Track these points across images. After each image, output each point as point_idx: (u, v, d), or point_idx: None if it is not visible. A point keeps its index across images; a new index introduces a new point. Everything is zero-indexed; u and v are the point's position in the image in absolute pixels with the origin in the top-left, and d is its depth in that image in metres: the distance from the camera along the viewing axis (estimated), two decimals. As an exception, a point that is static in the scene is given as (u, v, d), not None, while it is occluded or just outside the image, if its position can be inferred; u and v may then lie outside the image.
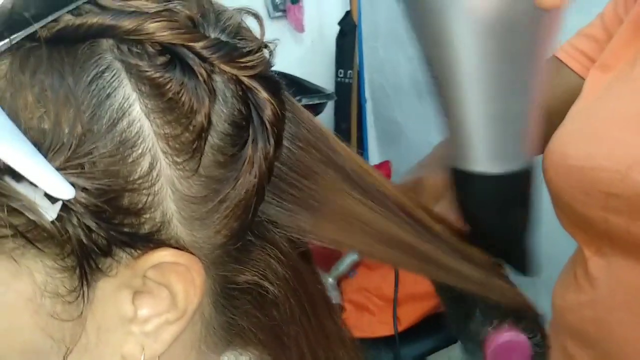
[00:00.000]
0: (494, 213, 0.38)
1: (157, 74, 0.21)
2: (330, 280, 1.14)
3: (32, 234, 0.20)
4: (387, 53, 1.96)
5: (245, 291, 0.26)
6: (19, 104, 0.20)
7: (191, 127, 0.21)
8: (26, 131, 0.19)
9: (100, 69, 0.21)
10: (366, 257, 0.34)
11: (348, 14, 1.88)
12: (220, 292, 0.26)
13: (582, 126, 0.50)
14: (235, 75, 0.23)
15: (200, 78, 0.21)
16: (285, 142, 0.26)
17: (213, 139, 0.22)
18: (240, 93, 0.23)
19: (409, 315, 1.07)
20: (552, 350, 0.62)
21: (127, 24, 0.20)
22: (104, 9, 0.21)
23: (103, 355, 0.24)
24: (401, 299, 1.07)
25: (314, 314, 0.28)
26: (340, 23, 1.88)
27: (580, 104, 0.52)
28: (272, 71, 0.25)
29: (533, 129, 0.36)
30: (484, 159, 0.35)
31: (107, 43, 0.21)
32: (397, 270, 1.08)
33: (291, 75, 1.70)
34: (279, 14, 1.81)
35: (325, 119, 1.93)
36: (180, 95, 0.21)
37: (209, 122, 0.22)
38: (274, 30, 1.83)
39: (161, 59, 0.21)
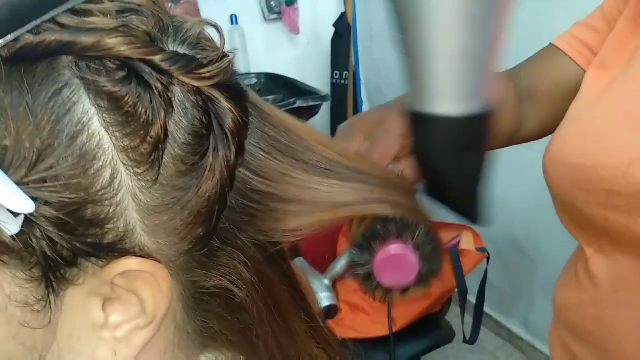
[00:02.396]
0: (450, 157, 0.37)
1: (115, 89, 0.21)
2: (326, 281, 1.13)
3: None
4: (383, 53, 1.96)
5: (215, 295, 0.27)
6: None
7: (148, 139, 0.22)
8: None
9: (59, 86, 0.21)
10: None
11: (343, 15, 1.89)
12: (190, 297, 0.27)
13: (582, 125, 0.50)
14: (196, 86, 0.23)
15: (156, 91, 0.22)
16: (250, 148, 0.26)
17: (173, 148, 0.23)
18: (201, 103, 0.24)
19: (404, 315, 1.07)
20: (554, 348, 0.62)
21: (85, 40, 0.21)
22: (62, 26, 0.21)
23: None
24: (396, 299, 1.07)
25: (280, 316, 0.29)
26: (335, 24, 1.89)
27: (579, 103, 0.52)
28: (235, 79, 0.25)
29: (494, 70, 0.35)
30: (444, 100, 0.34)
31: (66, 60, 0.21)
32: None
33: (286, 77, 1.71)
34: (274, 16, 1.81)
35: (322, 120, 1.94)
36: (136, 108, 0.22)
37: (166, 133, 0.22)
38: (269, 33, 1.83)
39: (119, 74, 0.21)
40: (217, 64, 0.23)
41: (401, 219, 0.40)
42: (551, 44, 0.59)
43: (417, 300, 1.08)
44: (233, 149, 0.24)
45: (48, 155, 0.21)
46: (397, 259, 0.39)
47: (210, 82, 0.23)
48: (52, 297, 0.23)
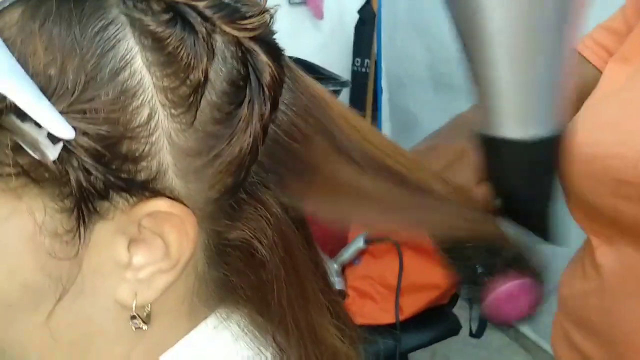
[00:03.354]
0: (522, 180, 0.37)
1: (159, 29, 0.22)
2: (335, 266, 1.15)
3: (34, 173, 0.22)
4: (405, 44, 1.95)
5: (237, 248, 0.27)
6: (28, 50, 0.21)
7: (188, 82, 0.23)
8: (33, 75, 0.21)
9: (106, 22, 0.22)
10: (360, 224, 0.34)
11: (368, 2, 1.87)
12: (213, 247, 0.27)
13: (598, 115, 0.50)
14: (236, 37, 0.24)
15: (200, 35, 0.22)
16: (282, 107, 0.26)
17: (210, 95, 0.24)
18: (240, 54, 0.24)
19: (411, 304, 1.07)
20: (556, 339, 0.63)
21: None
22: None
23: (97, 298, 0.26)
24: (404, 288, 1.08)
25: (297, 280, 0.29)
26: (359, 11, 1.88)
27: (597, 95, 0.52)
28: (274, 37, 0.26)
29: (564, 94, 0.35)
30: (514, 124, 0.35)
31: None
32: (401, 260, 1.08)
33: (306, 61, 1.70)
34: (299, 0, 1.81)
35: (341, 107, 1.93)
36: (179, 50, 0.22)
37: (206, 78, 0.23)
38: (293, 17, 1.84)
39: (164, 16, 0.22)
40: (258, 17, 0.24)
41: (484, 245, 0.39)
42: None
43: (425, 291, 1.08)
44: (268, 103, 0.25)
45: (90, 88, 0.21)
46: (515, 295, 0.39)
47: (251, 34, 0.24)
48: (81, 229, 0.23)
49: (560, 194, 0.40)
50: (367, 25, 1.87)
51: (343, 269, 1.17)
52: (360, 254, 1.16)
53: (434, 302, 1.09)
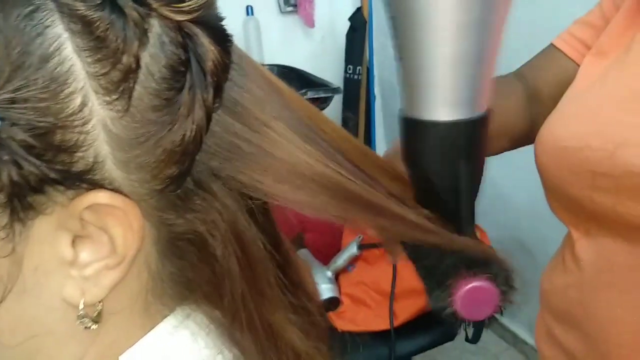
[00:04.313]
0: (442, 164, 0.37)
1: (88, 12, 0.21)
2: (329, 273, 1.14)
3: None
4: (397, 50, 1.95)
5: (189, 242, 0.27)
6: None
7: (119, 66, 0.22)
8: None
9: (32, 8, 0.21)
10: (319, 216, 0.32)
11: (359, 10, 1.88)
12: (165, 241, 0.27)
13: (574, 109, 0.51)
14: (176, 21, 0.23)
15: (130, 19, 0.22)
16: (232, 93, 0.26)
17: (148, 81, 0.23)
18: (180, 39, 0.23)
19: (406, 310, 1.07)
20: (539, 335, 0.63)
21: None
22: None
23: (42, 297, 0.25)
24: (398, 294, 1.08)
25: (252, 275, 0.28)
26: (350, 19, 1.88)
27: (574, 89, 0.53)
28: (221, 22, 0.25)
29: (486, 77, 0.35)
30: (437, 105, 0.34)
31: None
32: (395, 266, 1.08)
33: (298, 69, 1.71)
34: (290, 8, 1.82)
35: (333, 114, 1.94)
36: (107, 34, 0.21)
37: (137, 63, 0.22)
38: (284, 25, 1.83)
39: (95, 0, 0.21)
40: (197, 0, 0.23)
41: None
42: (551, 44, 0.59)
43: (420, 296, 1.08)
44: (210, 88, 0.24)
45: (17, 76, 0.21)
46: (477, 292, 0.39)
47: (189, 17, 0.23)
48: (16, 225, 0.23)
49: (477, 183, 0.39)
50: (358, 33, 1.88)
51: (337, 275, 1.16)
52: (354, 260, 1.16)
53: (428, 307, 1.09)
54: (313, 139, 0.29)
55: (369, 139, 2.02)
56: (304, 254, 1.17)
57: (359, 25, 1.87)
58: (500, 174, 1.61)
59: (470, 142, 0.37)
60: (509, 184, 1.60)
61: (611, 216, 0.47)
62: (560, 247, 0.60)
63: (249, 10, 1.73)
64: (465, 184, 0.38)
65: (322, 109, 1.60)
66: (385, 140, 2.13)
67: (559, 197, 0.53)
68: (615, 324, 0.50)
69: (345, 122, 1.96)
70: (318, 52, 1.93)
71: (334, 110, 1.88)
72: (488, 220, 1.51)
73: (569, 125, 0.50)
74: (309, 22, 1.85)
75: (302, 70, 1.70)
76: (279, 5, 1.82)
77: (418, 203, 0.36)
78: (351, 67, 1.92)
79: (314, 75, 1.64)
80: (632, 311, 0.49)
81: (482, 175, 0.39)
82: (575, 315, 0.55)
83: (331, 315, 1.09)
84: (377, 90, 2.05)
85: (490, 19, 0.32)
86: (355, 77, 1.91)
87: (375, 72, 2.00)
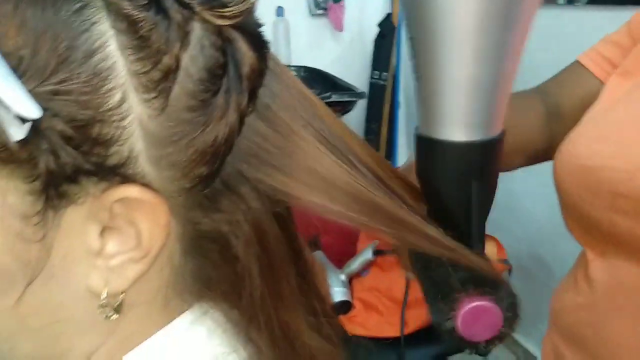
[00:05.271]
0: (453, 184, 0.37)
1: (134, 12, 0.22)
2: (342, 276, 1.15)
3: (4, 154, 0.22)
4: (425, 58, 1.95)
5: (213, 241, 0.27)
6: (1, 31, 0.21)
7: (159, 66, 0.23)
8: (4, 56, 0.21)
9: (81, 4, 0.22)
10: (340, 221, 0.32)
11: (389, 16, 1.88)
12: (189, 239, 0.27)
13: (597, 128, 0.50)
14: (216, 25, 0.24)
15: (174, 21, 0.22)
16: (265, 99, 0.26)
17: (186, 82, 0.23)
18: (220, 43, 0.24)
19: (417, 319, 1.07)
20: (545, 354, 0.62)
21: None
22: None
23: (68, 284, 0.26)
24: (411, 302, 1.07)
25: (271, 277, 0.29)
26: (380, 25, 1.89)
27: (597, 108, 0.52)
28: (258, 28, 0.26)
29: (501, 101, 0.35)
30: (450, 126, 0.34)
31: None
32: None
33: (325, 72, 1.72)
34: (320, 11, 1.82)
35: (357, 118, 1.94)
36: (150, 34, 0.22)
37: (177, 64, 0.23)
38: (314, 27, 1.84)
39: (141, 0, 0.22)
40: (239, 5, 0.24)
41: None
42: (577, 61, 0.59)
43: (432, 306, 1.08)
44: (246, 93, 0.25)
45: (62, 69, 0.22)
46: (481, 312, 0.39)
47: (230, 22, 0.23)
48: (49, 212, 0.23)
49: (489, 202, 0.40)
50: (386, 39, 1.88)
51: (350, 279, 1.17)
52: (368, 265, 1.16)
53: (440, 318, 1.09)
54: (339, 149, 0.29)
55: (391, 146, 2.02)
56: (319, 256, 1.18)
57: (388, 32, 1.87)
58: (520, 187, 1.59)
59: (483, 164, 0.37)
60: (529, 198, 1.58)
61: (629, 239, 0.47)
62: (573, 267, 0.59)
63: (279, 12, 1.75)
64: (476, 204, 0.38)
65: (346, 112, 1.60)
66: (408, 147, 2.13)
67: (576, 216, 0.53)
68: (625, 348, 0.50)
69: (368, 130, 1.97)
70: (346, 56, 1.94)
71: (357, 114, 1.89)
72: (506, 234, 1.50)
73: (590, 144, 0.49)
74: (338, 26, 1.86)
75: (328, 73, 1.71)
76: (309, 8, 1.83)
77: (430, 218, 0.37)
78: (377, 72, 1.92)
79: (340, 79, 1.65)
80: None
81: (493, 195, 0.40)
82: (584, 337, 0.54)
83: (342, 318, 1.10)
84: (402, 97, 2.05)
85: (508, 44, 0.32)
86: (381, 82, 1.92)
87: (401, 79, 2.00)
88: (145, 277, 0.26)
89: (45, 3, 0.22)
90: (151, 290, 0.28)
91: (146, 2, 0.22)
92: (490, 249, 1.24)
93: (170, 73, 0.23)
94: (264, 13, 2.07)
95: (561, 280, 0.62)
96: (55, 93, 0.22)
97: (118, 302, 0.27)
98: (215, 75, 0.24)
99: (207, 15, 0.23)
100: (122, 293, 0.26)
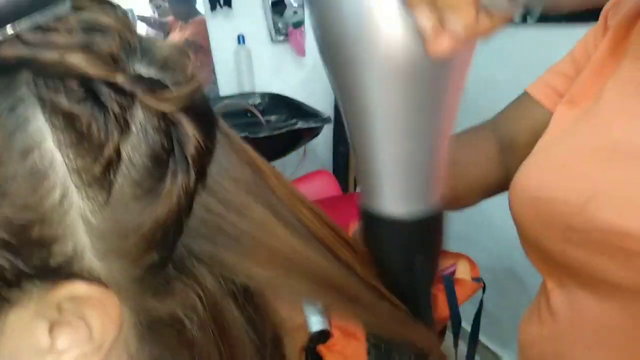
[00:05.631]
0: (395, 256, 0.37)
1: (70, 108, 0.21)
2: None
3: None
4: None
5: (169, 325, 0.26)
6: None
7: (100, 160, 0.22)
8: None
9: (14, 102, 0.21)
10: (295, 299, 0.32)
11: (349, 40, 1.91)
12: (144, 325, 0.26)
13: (547, 159, 0.51)
14: (159, 109, 0.23)
15: (111, 112, 0.21)
16: (216, 176, 0.25)
17: (129, 171, 0.22)
18: (164, 127, 0.23)
19: (397, 343, 1.05)
20: None
21: (45, 57, 0.20)
22: (24, 42, 0.21)
23: None
24: None
25: (232, 359, 0.28)
26: (341, 49, 1.91)
27: (546, 138, 0.53)
28: (206, 104, 0.25)
29: (438, 176, 0.35)
30: (390, 201, 0.34)
31: (24, 76, 0.21)
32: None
33: (289, 98, 1.72)
34: (282, 37, 1.83)
35: (324, 141, 1.94)
36: (89, 128, 0.21)
37: (118, 155, 0.22)
38: (276, 54, 1.85)
39: (77, 93, 0.21)
40: (182, 87, 0.23)
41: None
42: (525, 92, 0.60)
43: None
44: (192, 174, 0.24)
45: None
46: None
47: (174, 106, 0.23)
48: None
49: (434, 273, 0.40)
50: (349, 62, 1.90)
51: (327, 307, 1.14)
52: (345, 291, 1.14)
53: (420, 340, 1.07)
54: (293, 223, 0.28)
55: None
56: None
57: (349, 55, 1.89)
58: (490, 202, 1.60)
59: (424, 237, 0.37)
60: (499, 213, 1.60)
61: (583, 270, 0.47)
62: (536, 296, 0.60)
63: (241, 39, 1.75)
64: (421, 276, 0.38)
65: (314, 137, 1.60)
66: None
67: (533, 246, 0.53)
68: None
69: (336, 154, 1.97)
70: (309, 81, 1.95)
71: (325, 139, 1.89)
72: (479, 249, 1.51)
73: (541, 175, 0.50)
74: (300, 51, 1.87)
75: (294, 99, 1.71)
76: (271, 35, 1.84)
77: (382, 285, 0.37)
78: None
79: (306, 104, 1.65)
80: None
81: (438, 267, 0.40)
82: None
83: (321, 348, 1.07)
84: (367, 118, 2.06)
85: (436, 124, 0.33)
86: (327, 78, 1.93)
87: (366, 100, 2.02)
88: None
89: None
90: None
91: (82, 96, 0.21)
92: (462, 269, 1.25)
93: (111, 165, 0.22)
94: (226, 41, 2.08)
95: (525, 311, 0.61)
96: None
97: None
98: (161, 161, 0.23)
99: (150, 101, 0.22)
100: None
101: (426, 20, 0.26)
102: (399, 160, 0.33)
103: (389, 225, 0.36)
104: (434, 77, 0.30)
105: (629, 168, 0.44)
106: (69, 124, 0.21)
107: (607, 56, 0.51)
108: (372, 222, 0.37)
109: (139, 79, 0.22)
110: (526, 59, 1.20)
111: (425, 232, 0.37)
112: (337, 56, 0.30)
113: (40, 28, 0.21)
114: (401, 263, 0.37)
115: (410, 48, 0.28)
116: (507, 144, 0.59)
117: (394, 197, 0.34)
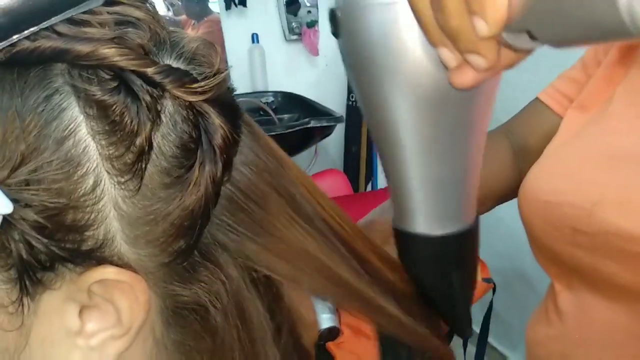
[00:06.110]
0: (433, 274, 0.38)
1: (104, 97, 0.22)
2: (329, 303, 1.13)
3: None
4: (400, 80, 1.97)
5: (193, 311, 0.27)
6: None
7: (132, 149, 0.22)
8: None
9: (50, 92, 0.22)
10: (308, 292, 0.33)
11: (363, 39, 1.91)
12: (170, 310, 0.27)
13: (556, 163, 0.52)
14: (187, 101, 0.23)
15: (144, 102, 0.22)
16: (240, 167, 0.26)
17: (159, 160, 0.23)
18: (192, 117, 0.24)
19: (406, 342, 1.06)
20: None
21: (79, 49, 0.21)
22: (59, 34, 0.22)
23: None
24: (399, 325, 1.06)
25: (251, 350, 0.28)
26: (354, 48, 1.91)
27: (555, 142, 0.54)
28: (232, 96, 0.26)
29: (470, 193, 0.36)
30: (423, 221, 0.35)
31: (59, 67, 0.22)
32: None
33: (302, 97, 1.72)
34: (295, 37, 1.84)
35: (336, 141, 1.95)
36: (122, 117, 0.22)
37: (150, 144, 0.23)
38: (289, 53, 1.86)
39: (110, 84, 0.22)
40: (210, 80, 0.24)
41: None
42: (537, 98, 0.61)
43: (420, 328, 1.06)
44: (220, 164, 0.24)
45: (33, 159, 0.21)
46: None
47: (202, 97, 0.23)
48: (25, 300, 0.23)
49: (471, 287, 0.41)
50: (361, 62, 1.90)
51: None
52: (354, 289, 1.14)
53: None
54: (313, 218, 0.29)
55: (371, 168, 2.02)
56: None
57: (362, 55, 1.89)
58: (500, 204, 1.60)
59: (460, 253, 0.38)
60: (509, 215, 1.59)
61: (590, 273, 0.48)
62: (544, 297, 0.60)
63: (255, 38, 1.76)
64: (458, 291, 0.39)
65: (326, 136, 1.60)
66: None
67: (542, 249, 0.54)
68: None
69: (348, 153, 1.97)
70: (322, 80, 1.95)
71: (336, 138, 1.89)
72: (488, 250, 1.50)
73: (550, 179, 0.50)
74: (313, 51, 1.87)
75: (306, 98, 1.71)
76: (284, 34, 1.85)
77: (421, 299, 0.37)
78: (354, 95, 1.94)
79: (318, 103, 1.65)
80: None
81: (475, 280, 0.40)
82: None
83: (330, 345, 1.08)
84: (379, 118, 2.06)
85: (467, 144, 0.33)
86: (358, 105, 1.93)
87: (378, 100, 2.02)
88: (127, 352, 0.26)
89: (12, 92, 0.21)
90: None
91: (115, 85, 0.22)
92: (474, 269, 1.23)
93: (143, 154, 0.23)
94: (240, 39, 2.08)
95: (533, 311, 0.62)
96: (26, 183, 0.21)
97: None
98: (189, 150, 0.24)
99: (179, 92, 0.23)
100: None
101: (449, 57, 0.27)
102: (431, 184, 0.34)
103: (424, 244, 0.36)
104: (460, 103, 0.30)
105: (636, 173, 0.45)
106: (102, 113, 0.22)
107: (616, 63, 0.52)
108: (407, 241, 0.37)
109: (169, 70, 0.23)
110: (539, 61, 1.20)
111: (461, 248, 0.38)
112: (367, 85, 0.31)
113: (75, 21, 0.22)
114: (438, 279, 0.38)
115: (435, 77, 0.29)
116: (521, 150, 0.60)
117: (429, 219, 0.35)
